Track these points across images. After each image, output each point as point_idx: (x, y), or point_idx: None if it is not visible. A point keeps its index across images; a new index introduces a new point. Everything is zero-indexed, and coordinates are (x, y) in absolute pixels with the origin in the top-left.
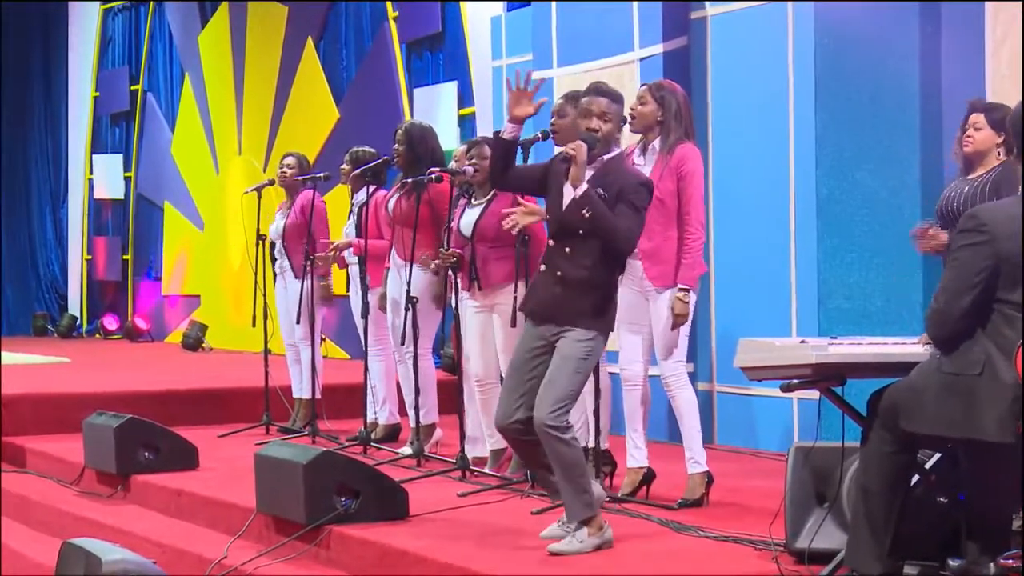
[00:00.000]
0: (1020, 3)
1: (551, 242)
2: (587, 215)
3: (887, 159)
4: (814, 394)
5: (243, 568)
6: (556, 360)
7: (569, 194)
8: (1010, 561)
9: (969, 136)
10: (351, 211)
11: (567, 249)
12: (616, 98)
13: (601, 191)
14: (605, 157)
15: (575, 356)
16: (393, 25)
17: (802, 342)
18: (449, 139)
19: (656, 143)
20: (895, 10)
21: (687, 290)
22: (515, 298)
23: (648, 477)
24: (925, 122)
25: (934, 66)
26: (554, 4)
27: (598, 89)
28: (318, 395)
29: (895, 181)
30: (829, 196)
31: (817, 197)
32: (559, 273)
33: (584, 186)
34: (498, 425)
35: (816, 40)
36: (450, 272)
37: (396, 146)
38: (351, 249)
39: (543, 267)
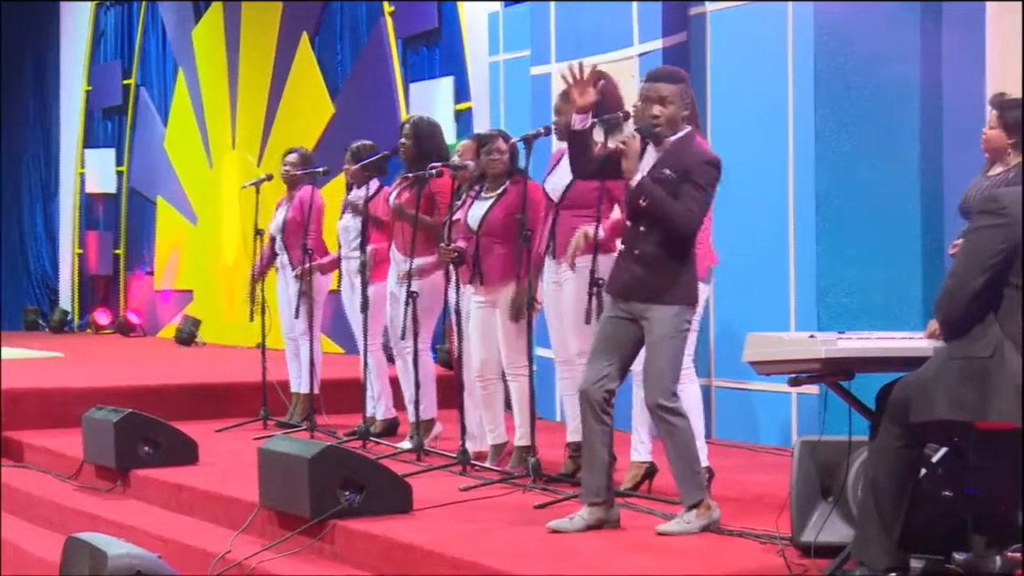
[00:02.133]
0: (1021, 3)
1: (628, 223)
2: (644, 204)
3: (887, 155)
4: (814, 389)
5: (247, 562)
6: (651, 342)
7: (640, 175)
8: (1017, 554)
9: (984, 133)
10: (345, 207)
11: (641, 228)
12: (676, 78)
13: (669, 172)
14: (672, 138)
15: (667, 335)
16: (389, 20)
17: (811, 337)
18: (446, 134)
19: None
20: (895, 8)
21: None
22: (518, 292)
23: (650, 471)
24: (925, 119)
25: (934, 63)
26: (552, 1)
27: (655, 74)
28: (316, 390)
29: (895, 177)
30: (828, 192)
31: (816, 193)
32: (636, 252)
33: (639, 176)
34: (582, 388)
35: (816, 37)
36: (450, 267)
37: (403, 140)
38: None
39: (622, 247)
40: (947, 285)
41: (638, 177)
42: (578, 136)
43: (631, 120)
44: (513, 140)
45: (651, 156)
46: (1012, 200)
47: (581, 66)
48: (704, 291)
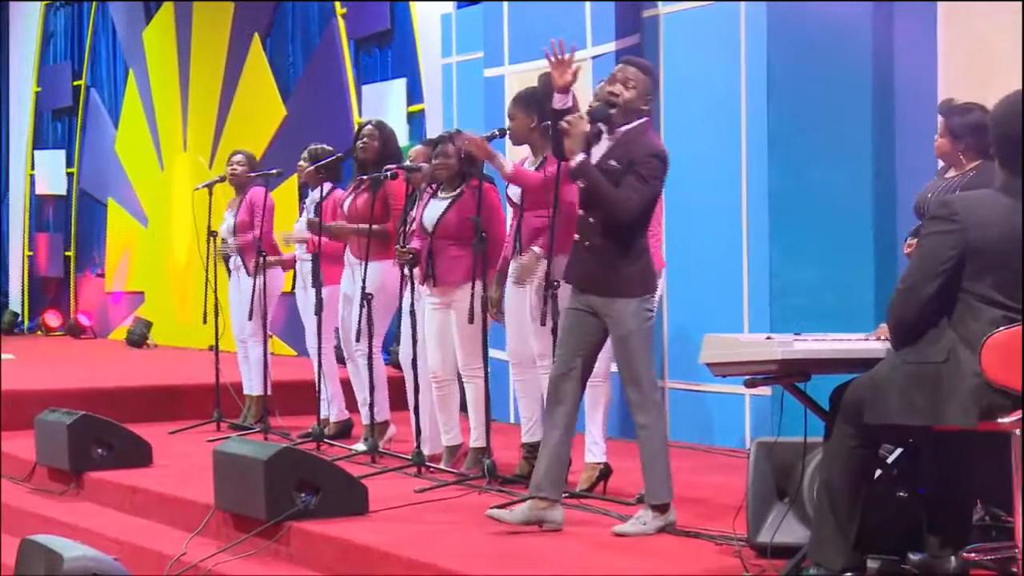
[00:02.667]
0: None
1: (580, 212)
2: (582, 186)
3: (840, 157)
4: (767, 390)
5: (203, 565)
6: (617, 338)
7: (581, 156)
8: (972, 555)
9: (936, 140)
10: (302, 208)
11: (591, 219)
12: (646, 70)
13: (614, 162)
14: (624, 128)
15: (632, 330)
16: (341, 22)
17: (768, 338)
18: (398, 136)
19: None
20: (847, 9)
21: None
22: (472, 295)
23: (605, 472)
24: (877, 121)
25: (887, 65)
26: (505, 3)
27: (631, 60)
28: (268, 391)
29: (848, 179)
30: (781, 193)
31: (770, 195)
32: (587, 243)
33: (580, 157)
34: (551, 379)
35: (769, 38)
36: (405, 269)
37: (367, 140)
38: (304, 246)
39: (576, 236)
40: (899, 290)
41: (578, 158)
42: (559, 116)
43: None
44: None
45: (603, 145)
46: (964, 206)
47: (562, 44)
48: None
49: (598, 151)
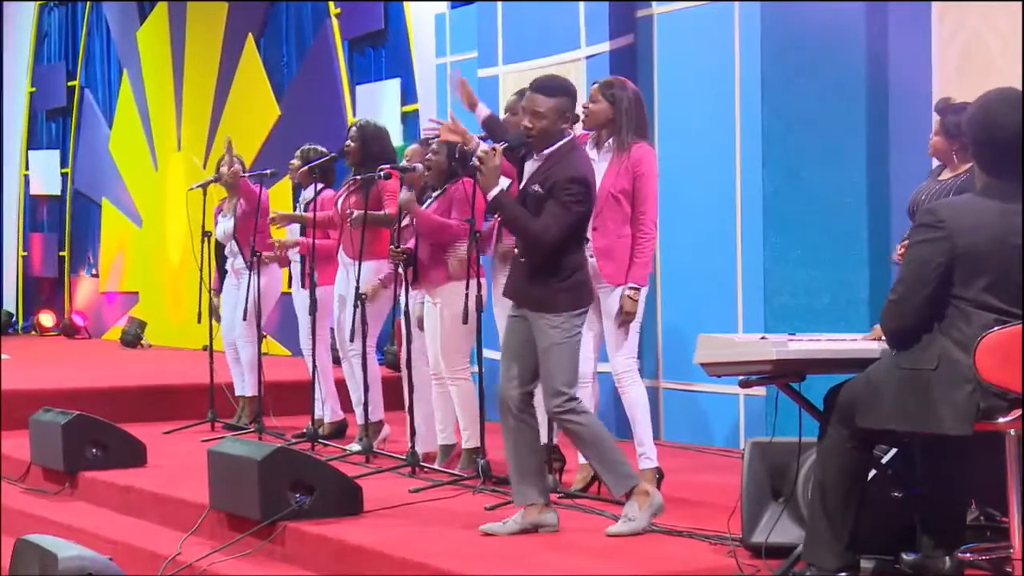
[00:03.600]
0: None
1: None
2: (499, 219)
3: (834, 157)
4: (761, 391)
5: (197, 564)
6: (541, 350)
7: (498, 189)
8: (966, 555)
9: (931, 139)
10: (295, 208)
11: None
12: (554, 91)
13: (538, 187)
14: (546, 152)
15: (554, 343)
16: (335, 22)
17: (762, 338)
18: (392, 136)
19: (610, 141)
20: (841, 9)
21: (637, 289)
22: (466, 296)
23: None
24: (872, 121)
25: (881, 65)
26: (499, 3)
27: (537, 85)
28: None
29: (841, 179)
30: (775, 194)
31: (763, 195)
32: (522, 259)
33: (495, 190)
34: (499, 386)
35: (763, 38)
36: (399, 269)
37: (349, 142)
38: (298, 248)
39: (516, 250)
40: (890, 300)
41: (494, 192)
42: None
43: None
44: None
45: (533, 164)
46: (950, 212)
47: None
48: (641, 298)
49: (530, 168)
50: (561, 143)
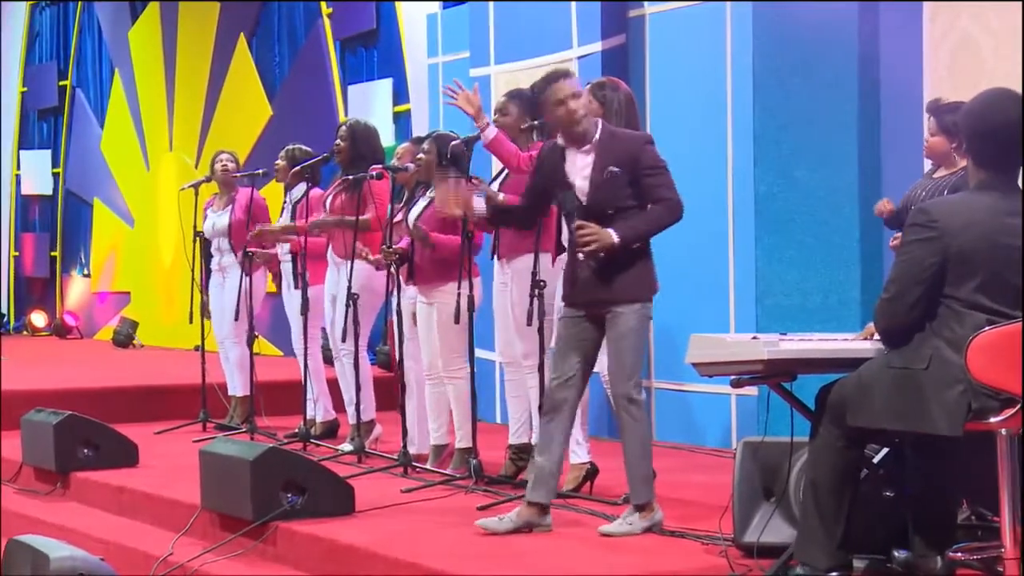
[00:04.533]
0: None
1: (575, 226)
2: (637, 248)
3: (825, 157)
4: (753, 390)
5: (189, 565)
6: (614, 338)
7: (578, 175)
8: (958, 554)
9: (926, 140)
10: (284, 208)
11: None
12: (556, 77)
13: (615, 169)
14: (596, 137)
15: (632, 330)
16: (327, 22)
17: (754, 338)
18: (384, 136)
19: None
20: (833, 9)
21: None
22: (459, 295)
23: (591, 473)
24: (863, 121)
25: (872, 65)
26: (491, 3)
27: (552, 76)
28: (252, 391)
29: (833, 179)
30: (767, 194)
31: (755, 195)
32: (590, 261)
33: (615, 236)
34: (551, 385)
35: (754, 38)
36: (392, 269)
37: (338, 141)
38: (288, 246)
39: (580, 255)
40: (883, 299)
41: (617, 237)
42: (494, 211)
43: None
44: (455, 142)
45: (579, 160)
46: (943, 212)
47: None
48: None
49: (576, 168)
50: (600, 128)
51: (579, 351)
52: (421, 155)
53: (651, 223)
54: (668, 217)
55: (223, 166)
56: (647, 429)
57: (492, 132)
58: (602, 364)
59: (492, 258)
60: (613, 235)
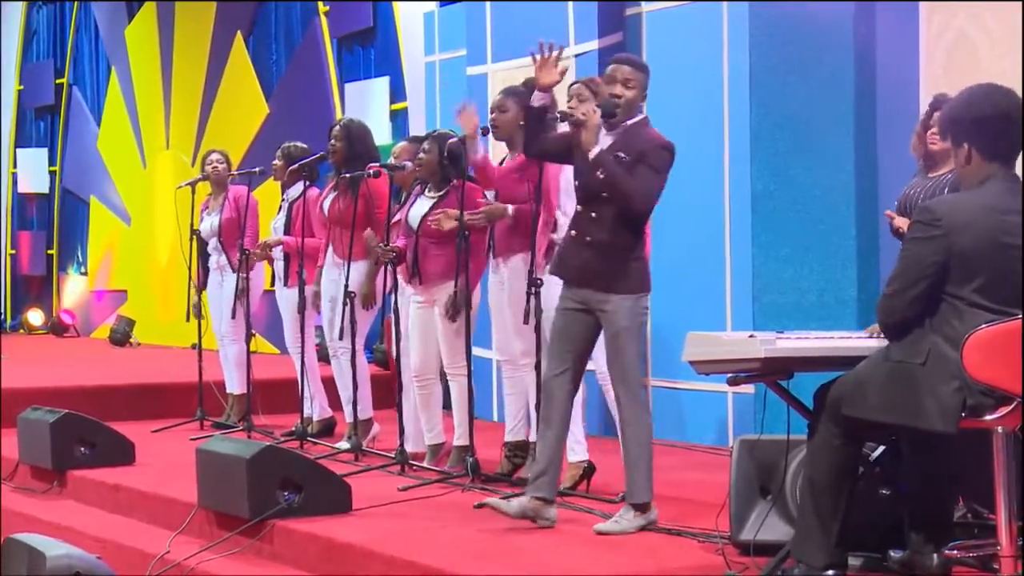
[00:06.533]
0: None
1: (579, 207)
2: (601, 176)
3: (821, 156)
4: (749, 388)
5: (186, 563)
6: (612, 335)
7: (596, 149)
8: (954, 552)
9: (934, 133)
10: (281, 206)
11: (593, 214)
12: (641, 67)
13: (622, 154)
14: (628, 122)
15: (628, 327)
16: (324, 20)
17: (750, 336)
18: (381, 135)
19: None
20: (830, 8)
21: None
22: (455, 293)
23: (589, 471)
24: (859, 119)
25: (869, 63)
26: (488, 1)
27: (623, 58)
28: (248, 389)
29: (829, 178)
30: (764, 192)
31: (752, 193)
32: (588, 238)
33: (598, 148)
34: (544, 380)
35: (751, 37)
36: (389, 267)
37: (333, 142)
38: (281, 246)
39: (572, 232)
40: (884, 295)
41: (597, 149)
42: (534, 112)
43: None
44: (452, 140)
45: (604, 139)
46: (946, 210)
47: (551, 46)
48: None
49: (604, 140)
50: (639, 117)
51: (571, 344)
52: (422, 155)
53: (624, 177)
54: (637, 189)
55: (213, 167)
56: (647, 429)
57: (480, 154)
58: (597, 363)
59: (487, 256)
60: (598, 145)
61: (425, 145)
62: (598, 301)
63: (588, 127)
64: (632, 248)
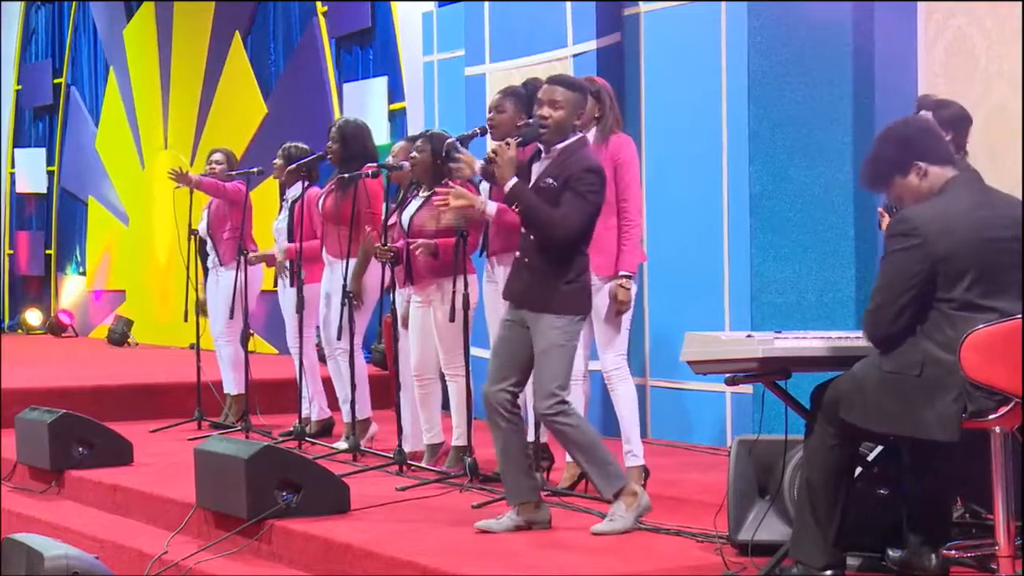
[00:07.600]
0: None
1: (522, 229)
2: (516, 210)
3: (820, 156)
4: (748, 388)
5: (184, 563)
6: (537, 352)
7: (512, 181)
8: (952, 552)
9: None
10: (282, 206)
11: (531, 237)
12: (575, 87)
13: (551, 180)
14: (560, 145)
15: (553, 344)
16: (322, 20)
17: (748, 336)
18: (379, 135)
19: (590, 136)
20: (828, 8)
21: (629, 277)
22: (453, 293)
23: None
24: (858, 119)
25: (867, 64)
26: (486, 1)
27: (555, 78)
28: (246, 390)
29: (828, 177)
30: (762, 192)
31: (750, 193)
32: (526, 260)
33: (512, 181)
34: (484, 391)
35: (749, 37)
36: (387, 267)
37: (330, 143)
38: (282, 245)
39: (516, 254)
40: (869, 310)
41: (511, 183)
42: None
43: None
44: (450, 140)
45: (542, 162)
46: (922, 219)
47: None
48: (633, 288)
49: (538, 168)
50: (573, 139)
51: (512, 355)
52: (415, 154)
53: (542, 207)
54: (556, 221)
55: (211, 168)
56: (583, 429)
57: (492, 209)
58: (602, 362)
59: (481, 256)
60: (513, 178)
61: (418, 144)
62: (531, 319)
63: (500, 163)
64: (567, 271)
